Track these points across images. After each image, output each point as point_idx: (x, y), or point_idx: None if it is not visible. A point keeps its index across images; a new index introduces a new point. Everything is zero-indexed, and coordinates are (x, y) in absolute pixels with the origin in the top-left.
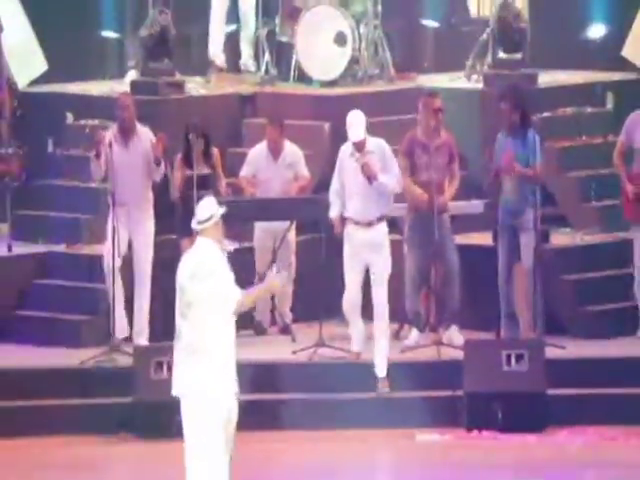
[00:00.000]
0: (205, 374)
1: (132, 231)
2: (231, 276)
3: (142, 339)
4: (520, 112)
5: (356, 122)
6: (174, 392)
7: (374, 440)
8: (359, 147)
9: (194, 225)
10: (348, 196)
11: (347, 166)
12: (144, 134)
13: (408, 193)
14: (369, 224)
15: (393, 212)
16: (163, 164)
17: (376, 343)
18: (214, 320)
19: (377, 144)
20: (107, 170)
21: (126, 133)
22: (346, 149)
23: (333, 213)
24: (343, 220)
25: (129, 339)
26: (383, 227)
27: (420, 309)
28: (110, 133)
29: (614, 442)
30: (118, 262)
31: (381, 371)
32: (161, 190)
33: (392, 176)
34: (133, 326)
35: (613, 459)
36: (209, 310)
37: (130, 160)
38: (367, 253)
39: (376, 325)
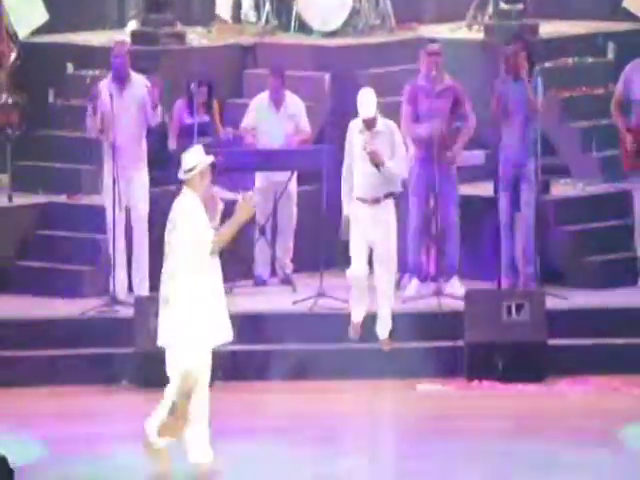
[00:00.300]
0: (174, 325)
1: (128, 181)
2: (203, 223)
3: (142, 290)
4: (528, 57)
5: (367, 99)
6: (159, 343)
7: (375, 390)
8: (369, 124)
9: (180, 174)
10: (356, 173)
11: (355, 143)
12: (139, 82)
13: (413, 137)
14: (375, 201)
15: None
16: (160, 109)
17: (379, 314)
18: (184, 270)
19: (386, 125)
20: (102, 124)
21: (121, 81)
22: (354, 126)
23: (345, 203)
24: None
25: (130, 290)
26: (390, 204)
27: (422, 259)
28: (105, 82)
29: (615, 392)
30: (121, 215)
31: (385, 334)
32: (160, 140)
33: (399, 160)
34: (132, 277)
35: (614, 408)
36: (180, 260)
37: (125, 107)
38: (372, 231)
39: (379, 303)
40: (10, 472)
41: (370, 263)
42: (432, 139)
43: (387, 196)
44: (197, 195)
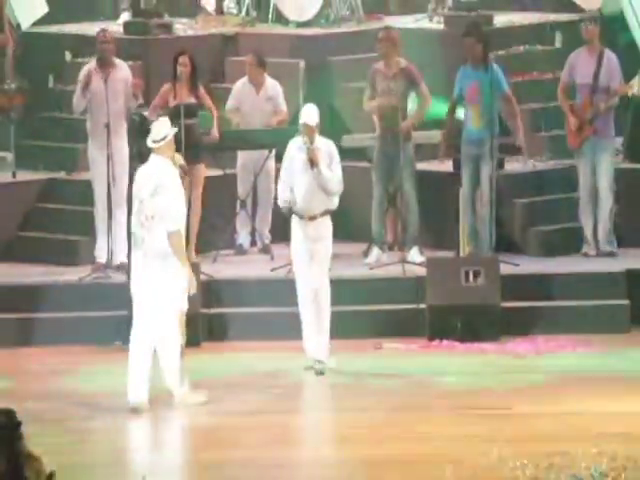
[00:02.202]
0: (165, 274)
1: (111, 155)
2: (182, 195)
3: (122, 256)
4: (483, 46)
5: (311, 111)
6: (132, 290)
7: (345, 348)
8: (310, 133)
9: (149, 143)
10: (296, 189)
11: (295, 160)
12: (121, 67)
13: (373, 110)
14: (312, 218)
15: (363, 142)
16: (140, 99)
17: (319, 329)
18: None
19: (326, 144)
20: (90, 104)
21: (105, 65)
22: (294, 144)
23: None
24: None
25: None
26: (326, 221)
27: (383, 231)
28: (91, 66)
29: (562, 349)
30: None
31: (321, 355)
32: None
33: (335, 175)
34: (114, 243)
35: (560, 364)
36: (167, 221)
37: (111, 90)
38: (310, 245)
39: (318, 314)
40: (18, 425)
41: None
42: (388, 112)
43: (323, 214)
44: (169, 161)
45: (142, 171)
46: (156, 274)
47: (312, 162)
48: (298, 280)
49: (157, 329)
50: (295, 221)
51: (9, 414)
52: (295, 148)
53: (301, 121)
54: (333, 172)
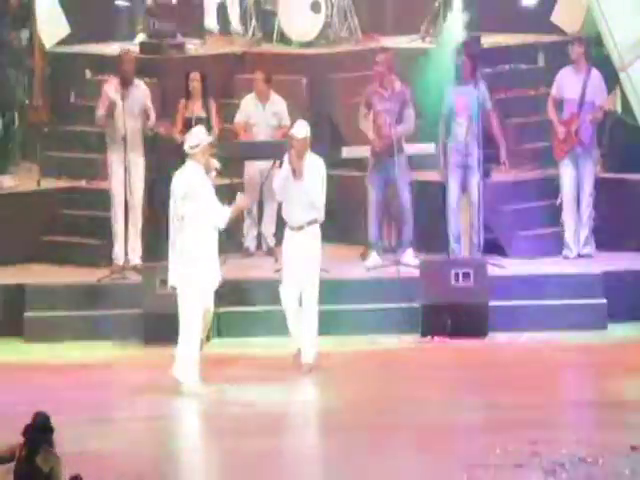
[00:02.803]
0: (191, 271)
1: (128, 166)
2: (214, 196)
3: (136, 257)
4: (473, 63)
5: (303, 125)
6: (170, 283)
7: (343, 344)
8: (298, 146)
9: (186, 149)
10: (285, 202)
11: (287, 175)
12: (140, 86)
13: (368, 128)
14: (300, 228)
15: (361, 153)
16: (154, 115)
17: (305, 337)
18: (201, 231)
19: (316, 160)
20: (110, 118)
21: (126, 84)
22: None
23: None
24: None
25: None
26: (314, 230)
27: (380, 236)
28: (112, 85)
29: (545, 344)
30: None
31: (309, 359)
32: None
33: (319, 192)
34: (129, 246)
35: (543, 358)
36: (197, 224)
37: (130, 106)
38: (298, 255)
39: (305, 324)
40: (51, 430)
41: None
42: (385, 131)
43: (310, 223)
44: (201, 167)
45: (177, 174)
46: (184, 272)
47: (295, 172)
48: (285, 291)
49: (180, 322)
50: (286, 232)
51: (46, 419)
52: (287, 165)
53: (293, 134)
54: (318, 186)
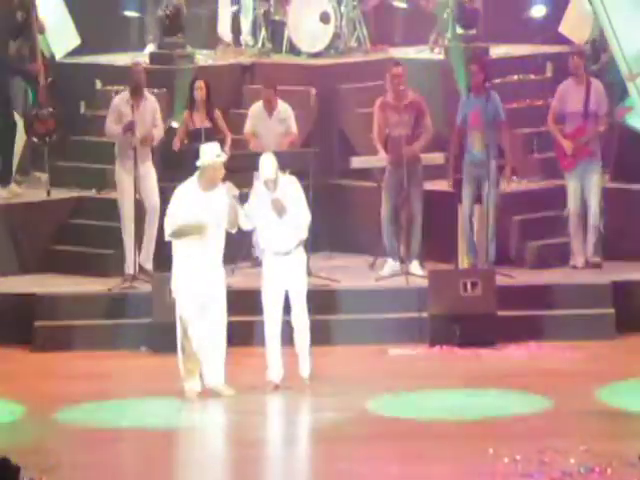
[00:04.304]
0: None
1: (141, 178)
2: (185, 211)
3: (148, 264)
4: (484, 74)
5: (267, 163)
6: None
7: (353, 354)
8: (270, 186)
9: (197, 163)
10: (265, 227)
11: (263, 200)
12: (149, 98)
13: (382, 141)
14: (287, 253)
15: (370, 163)
16: (162, 126)
17: (300, 355)
18: (191, 245)
19: (289, 182)
20: (123, 129)
21: (136, 95)
22: (259, 184)
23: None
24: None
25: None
26: (300, 252)
27: (395, 244)
28: (123, 96)
29: (553, 354)
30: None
31: (305, 373)
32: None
33: (302, 211)
34: (141, 254)
35: (550, 368)
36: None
37: (140, 116)
38: (286, 279)
39: (297, 343)
40: (17, 469)
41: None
42: (399, 143)
43: (297, 246)
44: (200, 182)
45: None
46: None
47: (279, 213)
48: (268, 320)
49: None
50: (268, 258)
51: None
52: (261, 189)
53: (262, 178)
54: (299, 206)
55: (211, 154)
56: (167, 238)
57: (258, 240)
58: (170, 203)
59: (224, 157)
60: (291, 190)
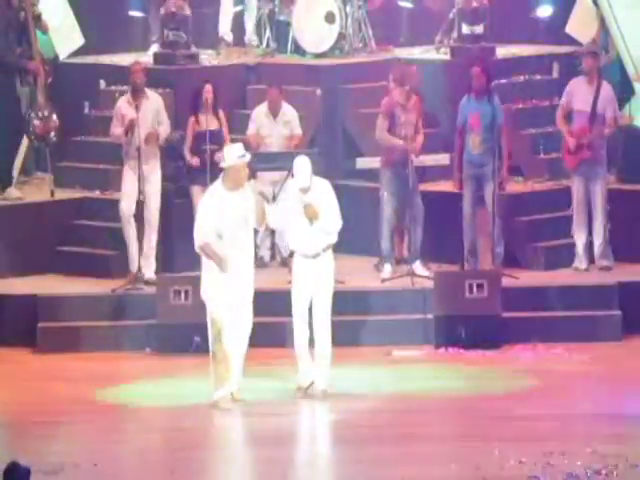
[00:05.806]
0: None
1: (145, 179)
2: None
3: (149, 271)
4: (487, 76)
5: (303, 169)
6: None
7: (358, 355)
8: (305, 191)
9: (221, 164)
10: (295, 230)
11: (295, 201)
12: (152, 97)
13: (389, 145)
14: (316, 255)
15: (375, 164)
16: (167, 124)
17: (319, 365)
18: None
19: (322, 185)
20: (127, 131)
21: (137, 94)
22: (294, 185)
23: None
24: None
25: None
26: (328, 256)
27: (393, 247)
28: (125, 97)
29: (557, 356)
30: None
31: (323, 384)
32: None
33: (333, 216)
34: (142, 260)
35: (556, 369)
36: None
37: (143, 117)
38: (313, 283)
39: (318, 352)
40: (27, 472)
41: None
42: (406, 142)
43: (326, 249)
44: (225, 183)
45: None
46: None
47: (311, 219)
48: (298, 324)
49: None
50: (298, 260)
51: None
52: (293, 189)
53: (298, 185)
54: (330, 212)
55: (234, 155)
56: (196, 250)
57: (288, 241)
58: (198, 212)
59: (248, 157)
60: (324, 195)
